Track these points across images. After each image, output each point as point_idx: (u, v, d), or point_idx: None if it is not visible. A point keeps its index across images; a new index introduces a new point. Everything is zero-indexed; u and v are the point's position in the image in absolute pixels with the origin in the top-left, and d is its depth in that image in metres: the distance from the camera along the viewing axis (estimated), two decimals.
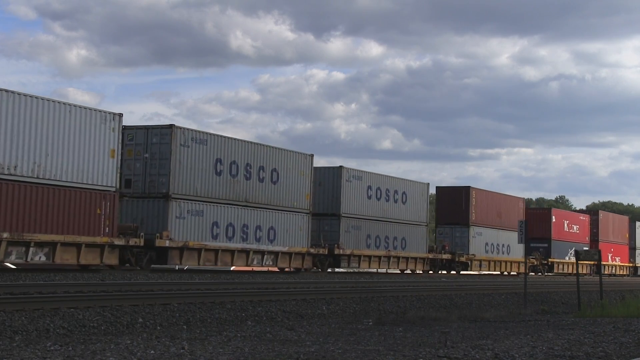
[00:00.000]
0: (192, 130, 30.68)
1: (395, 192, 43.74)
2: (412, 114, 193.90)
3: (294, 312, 20.56)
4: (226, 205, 31.92)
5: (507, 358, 12.30)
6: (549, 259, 59.79)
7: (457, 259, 48.66)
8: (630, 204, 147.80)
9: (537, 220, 58.75)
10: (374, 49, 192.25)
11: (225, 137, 32.27)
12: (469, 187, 50.90)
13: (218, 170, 31.52)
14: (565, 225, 62.48)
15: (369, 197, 41.44)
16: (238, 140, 32.96)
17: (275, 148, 35.12)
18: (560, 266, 62.00)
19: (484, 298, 29.63)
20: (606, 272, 65.45)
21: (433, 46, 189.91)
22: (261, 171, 33.71)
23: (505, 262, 54.83)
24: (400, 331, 17.24)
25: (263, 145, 34.69)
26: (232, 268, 34.70)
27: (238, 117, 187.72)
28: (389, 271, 44.88)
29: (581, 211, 71.29)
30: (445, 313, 22.80)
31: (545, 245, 59.42)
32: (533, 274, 56.83)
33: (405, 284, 31.97)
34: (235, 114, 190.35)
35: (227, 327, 17.05)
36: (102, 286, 20.74)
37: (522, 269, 52.78)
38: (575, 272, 59.99)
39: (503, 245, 54.38)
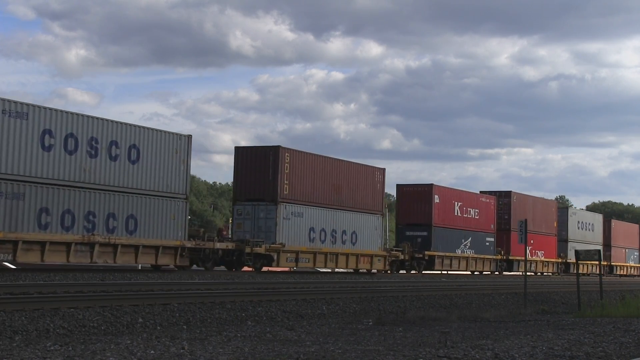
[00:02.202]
0: None
1: (114, 143, 28.20)
2: (411, 114, 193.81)
3: (294, 312, 20.57)
4: None
5: (507, 358, 12.30)
6: (427, 252, 44.83)
7: (248, 250, 33.03)
8: (630, 204, 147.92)
9: (414, 200, 45.97)
10: (373, 49, 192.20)
11: None
12: (279, 147, 35.15)
13: None
14: (457, 208, 47.86)
15: (48, 148, 25.90)
16: None
17: None
18: (447, 261, 46.81)
19: (484, 298, 29.65)
20: (522, 270, 49.42)
21: (432, 46, 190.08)
22: None
23: (349, 255, 38.50)
24: (400, 331, 17.24)
25: None
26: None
27: (237, 117, 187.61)
28: (98, 264, 28.79)
29: (487, 192, 55.03)
30: (445, 313, 22.80)
31: (425, 233, 45.26)
32: (404, 272, 43.79)
33: (405, 284, 31.97)
34: (234, 114, 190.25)
35: (227, 327, 17.06)
36: (102, 286, 20.74)
37: (380, 265, 40.92)
38: (467, 269, 48.48)
39: (345, 233, 38.43)
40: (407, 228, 46.09)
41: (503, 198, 53.96)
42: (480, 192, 53.75)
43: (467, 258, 48.73)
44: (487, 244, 51.26)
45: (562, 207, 63.67)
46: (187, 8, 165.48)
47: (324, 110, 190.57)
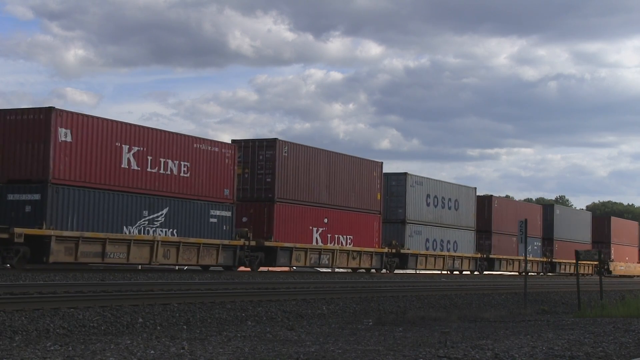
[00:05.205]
0: None
1: None
2: (410, 114, 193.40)
3: (294, 312, 20.57)
4: None
5: (507, 358, 12.30)
6: (24, 231, 24.40)
7: None
8: (630, 204, 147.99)
9: (21, 138, 25.70)
10: (372, 49, 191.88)
11: None
12: None
13: None
14: (129, 156, 27.63)
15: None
16: None
17: None
18: (92, 248, 26.50)
19: (484, 298, 29.65)
20: (300, 264, 36.43)
21: (432, 46, 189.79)
22: None
23: None
24: (400, 331, 17.25)
25: None
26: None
27: (236, 117, 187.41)
28: None
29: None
30: (445, 313, 22.81)
31: (37, 196, 25.26)
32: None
33: (405, 284, 32.01)
34: (233, 114, 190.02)
35: (227, 327, 17.06)
36: (102, 286, 20.74)
37: None
38: (157, 261, 26.52)
39: None
40: (10, 188, 25.75)
41: (264, 150, 33.51)
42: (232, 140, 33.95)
43: (152, 242, 28.46)
44: (214, 220, 31.77)
45: (399, 173, 43.16)
46: (185, 8, 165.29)
47: (322, 110, 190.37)
